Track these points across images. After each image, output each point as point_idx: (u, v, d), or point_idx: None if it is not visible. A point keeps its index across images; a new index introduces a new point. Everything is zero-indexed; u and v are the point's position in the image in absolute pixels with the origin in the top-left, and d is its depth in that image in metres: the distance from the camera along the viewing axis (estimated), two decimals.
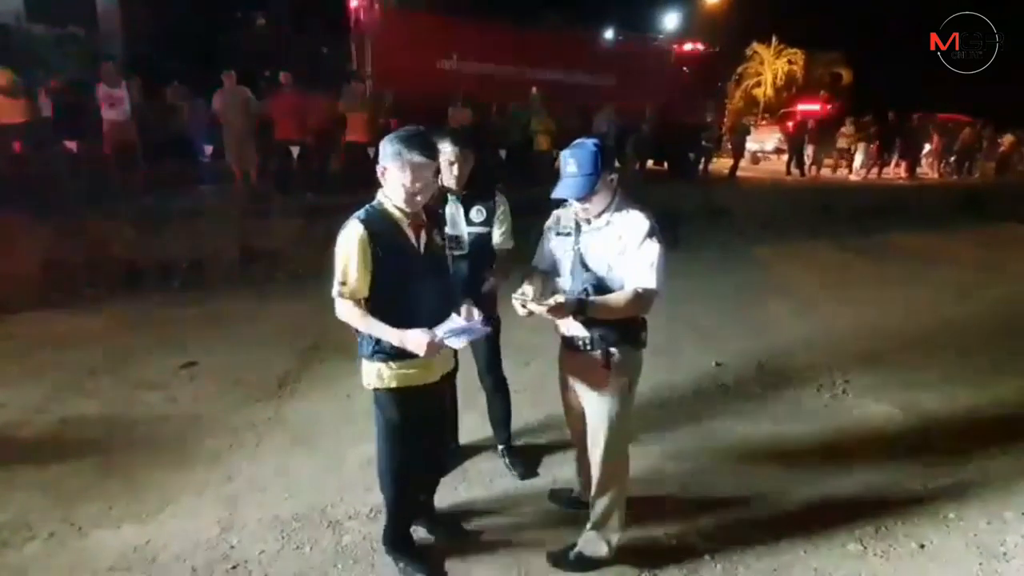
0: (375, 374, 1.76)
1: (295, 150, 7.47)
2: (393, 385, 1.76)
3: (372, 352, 1.74)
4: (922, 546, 2.13)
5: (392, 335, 1.66)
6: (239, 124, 7.21)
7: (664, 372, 3.48)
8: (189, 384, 3.21)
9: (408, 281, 1.71)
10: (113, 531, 2.11)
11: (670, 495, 2.39)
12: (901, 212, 9.11)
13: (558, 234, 1.90)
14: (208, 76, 7.57)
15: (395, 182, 1.64)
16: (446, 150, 2.11)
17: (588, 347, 1.82)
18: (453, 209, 2.22)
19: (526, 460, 2.54)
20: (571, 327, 1.81)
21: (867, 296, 5.25)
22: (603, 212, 1.77)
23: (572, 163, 1.72)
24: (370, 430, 1.97)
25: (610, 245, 1.75)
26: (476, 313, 1.75)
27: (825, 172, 13.73)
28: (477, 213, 2.21)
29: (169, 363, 3.39)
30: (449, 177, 2.16)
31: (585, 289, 1.74)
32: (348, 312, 1.69)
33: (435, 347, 1.65)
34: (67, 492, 2.29)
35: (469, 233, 2.21)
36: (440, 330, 1.67)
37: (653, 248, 1.71)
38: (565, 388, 2.02)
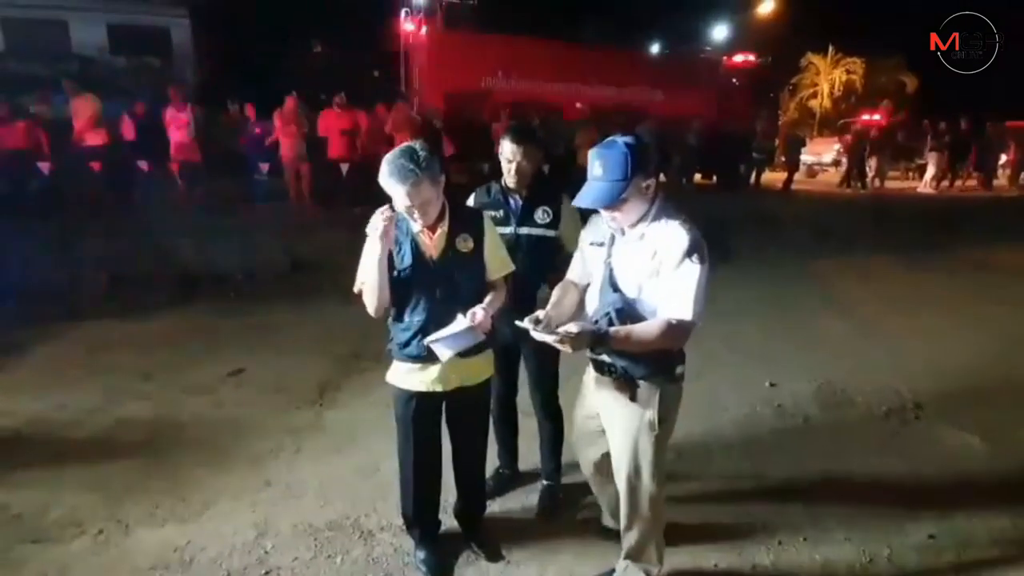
0: (391, 370, 1.85)
1: (344, 167, 7.72)
2: (402, 385, 1.82)
3: (388, 349, 1.83)
4: None
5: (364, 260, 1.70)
6: (295, 143, 7.55)
7: (713, 390, 3.31)
8: (235, 390, 3.30)
9: (415, 285, 1.72)
10: (156, 530, 2.15)
11: (721, 523, 2.22)
12: (975, 227, 8.42)
13: (592, 243, 1.68)
14: (270, 99, 8.00)
15: (394, 199, 1.65)
16: (505, 147, 2.03)
17: (614, 374, 1.62)
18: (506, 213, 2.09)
19: (559, 503, 2.34)
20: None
21: (939, 315, 4.82)
22: (638, 223, 1.53)
23: (598, 165, 1.48)
24: None
25: (643, 263, 1.50)
26: (480, 315, 1.64)
27: (890, 185, 12.98)
28: (543, 214, 2.06)
29: (218, 369, 3.50)
30: (509, 176, 2.07)
31: (608, 314, 1.51)
32: (366, 303, 1.76)
33: (385, 228, 1.62)
34: (116, 490, 2.36)
35: (532, 234, 2.07)
36: (439, 335, 1.65)
37: (693, 271, 1.44)
38: (583, 408, 1.83)
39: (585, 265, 1.72)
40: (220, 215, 6.88)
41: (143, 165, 7.41)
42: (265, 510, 2.26)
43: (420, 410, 1.83)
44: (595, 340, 1.44)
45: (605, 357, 1.60)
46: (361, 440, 2.78)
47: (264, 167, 7.93)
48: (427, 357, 1.73)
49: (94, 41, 13.28)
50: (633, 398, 1.58)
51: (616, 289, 1.55)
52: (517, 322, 1.51)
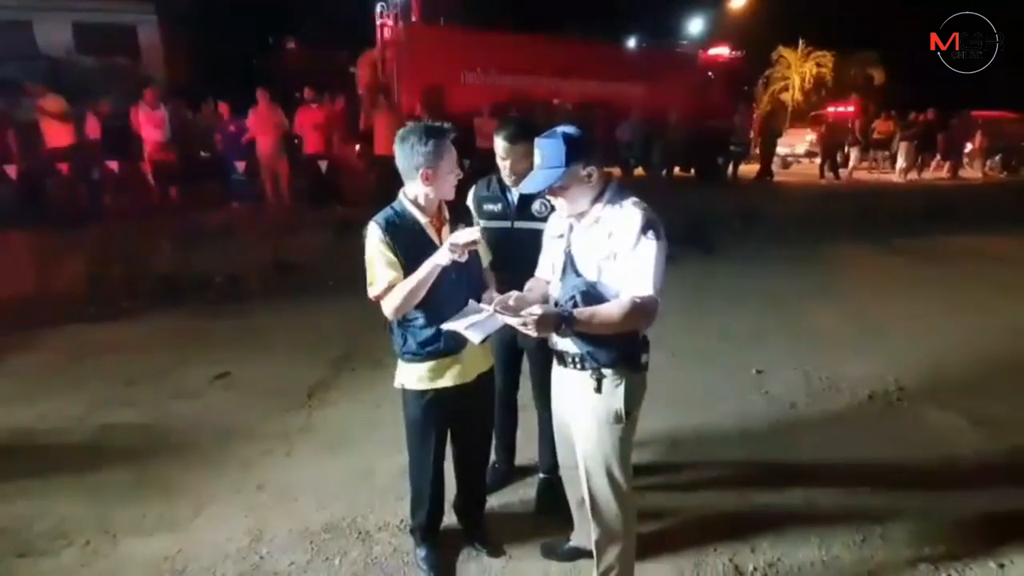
0: (404, 374, 1.78)
1: (323, 164, 7.62)
2: (422, 386, 1.77)
3: (402, 352, 1.76)
4: (1002, 566, 1.94)
5: (422, 269, 1.61)
6: (270, 141, 7.42)
7: (703, 379, 3.35)
8: (223, 394, 3.23)
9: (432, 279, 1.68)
10: (145, 540, 2.10)
11: (720, 508, 2.26)
12: (949, 213, 8.67)
13: (552, 237, 1.72)
14: (243, 97, 7.85)
15: (444, 176, 1.64)
16: (498, 146, 2.00)
17: (577, 366, 1.59)
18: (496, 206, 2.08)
19: (557, 497, 2.26)
20: (560, 340, 1.59)
21: (920, 300, 4.95)
22: (592, 207, 1.55)
23: (538, 154, 1.53)
24: (400, 439, 1.93)
25: (600, 245, 1.52)
26: (497, 300, 1.57)
27: (860, 174, 13.30)
28: (541, 207, 1.99)
29: (204, 373, 3.42)
30: (504, 173, 2.03)
31: (573, 297, 1.50)
32: (388, 304, 1.67)
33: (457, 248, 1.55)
34: (104, 500, 2.30)
35: (528, 228, 2.00)
36: (467, 321, 1.59)
37: (650, 247, 1.45)
38: (555, 410, 1.80)
39: (549, 260, 1.73)
40: (197, 216, 6.75)
41: (112, 166, 7.22)
42: (259, 515, 2.22)
43: (440, 410, 1.80)
44: (560, 321, 1.42)
45: (568, 347, 1.58)
46: (354, 440, 2.74)
47: (240, 166, 7.78)
48: (452, 349, 1.69)
49: (60, 41, 12.87)
50: (598, 389, 1.55)
51: (578, 274, 1.56)
52: (483, 304, 1.53)
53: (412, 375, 1.77)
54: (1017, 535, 2.07)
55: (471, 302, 1.63)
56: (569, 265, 1.59)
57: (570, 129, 1.53)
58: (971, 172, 14.17)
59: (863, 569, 1.95)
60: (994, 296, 5.00)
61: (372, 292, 1.68)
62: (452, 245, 1.55)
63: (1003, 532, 2.10)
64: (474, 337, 1.58)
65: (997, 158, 14.43)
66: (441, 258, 1.58)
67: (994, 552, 2.00)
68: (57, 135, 6.67)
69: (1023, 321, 4.35)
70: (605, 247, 1.51)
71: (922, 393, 3.22)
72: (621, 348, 1.54)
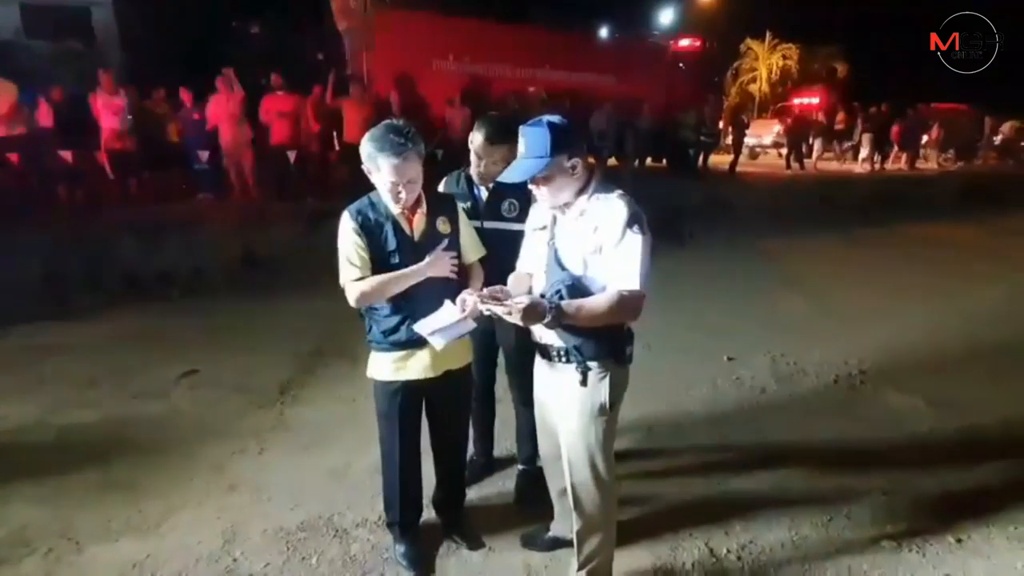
0: (372, 364, 1.78)
1: (291, 154, 7.41)
2: (388, 378, 1.76)
3: (368, 339, 1.76)
4: (959, 541, 2.04)
5: (402, 272, 1.65)
6: (234, 130, 7.17)
7: (677, 367, 3.41)
8: (190, 393, 3.13)
9: (402, 268, 1.67)
10: (111, 546, 2.02)
11: (694, 492, 2.31)
12: (908, 203, 9.01)
13: (534, 229, 1.69)
14: (205, 84, 7.54)
15: (378, 182, 1.63)
16: (476, 140, 1.94)
17: (562, 359, 1.59)
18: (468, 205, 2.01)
19: (536, 488, 2.26)
20: (544, 334, 1.58)
21: (881, 287, 5.14)
22: (577, 199, 1.54)
23: (522, 143, 1.50)
24: (376, 435, 1.90)
25: (585, 238, 1.51)
26: (470, 302, 1.56)
27: (824, 165, 13.66)
28: (510, 206, 1.95)
29: (170, 372, 3.31)
30: (474, 169, 1.98)
31: (559, 291, 1.49)
32: (358, 295, 1.67)
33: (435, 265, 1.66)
34: (66, 505, 2.21)
35: (497, 229, 1.96)
36: (433, 325, 1.60)
37: (635, 241, 1.45)
38: (538, 403, 1.79)
39: (530, 252, 1.71)
40: (159, 208, 6.50)
41: (67, 156, 6.88)
42: (231, 516, 2.17)
43: (407, 402, 1.79)
44: (547, 312, 1.41)
45: (552, 340, 1.58)
46: (328, 437, 2.70)
47: (203, 155, 7.51)
48: (416, 342, 1.68)
49: (7, 24, 12.12)
50: (584, 383, 1.56)
51: (563, 268, 1.55)
52: (466, 296, 1.52)
53: (380, 366, 1.77)
54: (973, 511, 2.18)
55: (447, 303, 1.61)
56: (553, 259, 1.57)
57: (556, 118, 1.50)
58: (928, 163, 14.71)
59: (831, 548, 2.02)
60: (949, 283, 5.22)
61: (341, 280, 1.70)
62: (439, 259, 1.63)
63: (960, 508, 2.20)
64: (436, 343, 1.60)
65: (952, 150, 15.02)
66: (421, 270, 1.64)
67: (952, 528, 2.09)
68: (7, 123, 6.31)
69: (977, 306, 4.56)
70: (591, 241, 1.50)
71: (883, 376, 3.35)
72: (607, 341, 1.54)
